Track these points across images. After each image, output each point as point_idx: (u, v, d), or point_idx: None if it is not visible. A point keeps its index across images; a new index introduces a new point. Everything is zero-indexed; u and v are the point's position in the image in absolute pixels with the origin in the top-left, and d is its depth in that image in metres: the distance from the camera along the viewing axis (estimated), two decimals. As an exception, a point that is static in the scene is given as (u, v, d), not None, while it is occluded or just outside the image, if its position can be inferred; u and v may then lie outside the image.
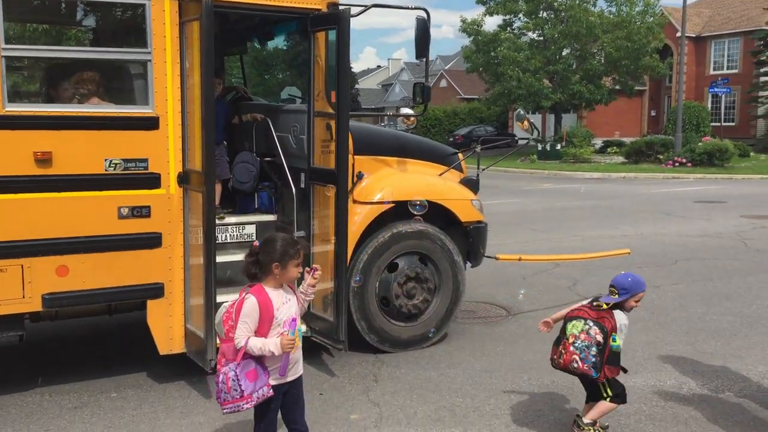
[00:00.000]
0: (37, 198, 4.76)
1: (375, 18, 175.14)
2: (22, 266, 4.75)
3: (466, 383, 5.51)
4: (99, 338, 6.63)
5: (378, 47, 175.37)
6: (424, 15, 5.80)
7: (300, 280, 3.85)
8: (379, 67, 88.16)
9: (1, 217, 4.66)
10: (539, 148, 33.98)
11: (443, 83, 63.63)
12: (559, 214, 15.51)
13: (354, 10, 5.58)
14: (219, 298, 5.11)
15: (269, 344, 3.56)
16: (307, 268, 3.85)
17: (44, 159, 4.72)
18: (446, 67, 65.88)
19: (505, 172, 28.56)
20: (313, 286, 3.85)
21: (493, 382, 5.54)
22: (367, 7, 5.67)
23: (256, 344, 3.56)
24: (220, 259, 5.41)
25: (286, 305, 3.69)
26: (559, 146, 33.71)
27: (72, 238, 4.88)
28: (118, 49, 5.46)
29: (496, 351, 6.31)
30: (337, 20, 5.29)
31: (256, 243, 3.75)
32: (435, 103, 55.61)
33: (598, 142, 38.23)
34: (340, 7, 5.43)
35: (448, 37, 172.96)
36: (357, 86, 60.12)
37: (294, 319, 3.67)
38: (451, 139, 41.55)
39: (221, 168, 5.98)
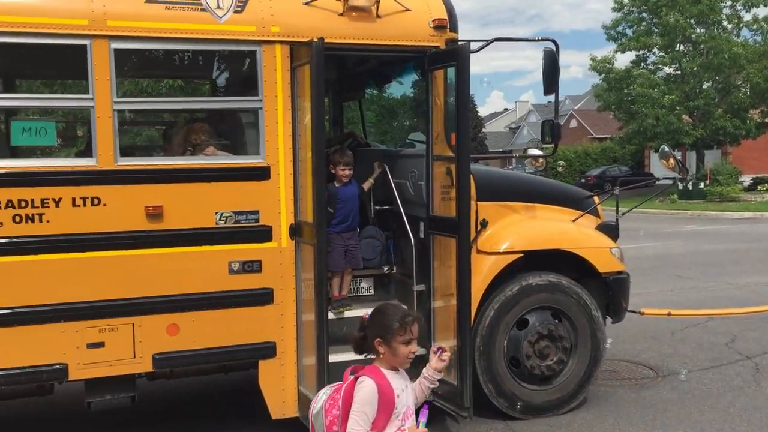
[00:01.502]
0: (147, 254, 4.62)
1: (501, 62, 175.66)
2: (132, 325, 4.60)
3: (611, 460, 4.79)
4: (213, 396, 6.41)
5: (505, 90, 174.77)
6: (552, 47, 5.30)
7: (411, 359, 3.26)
8: (506, 110, 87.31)
9: (112, 274, 4.54)
10: (680, 188, 31.91)
11: (573, 123, 61.91)
12: (706, 258, 14.16)
13: (474, 45, 5.18)
14: (332, 358, 4.76)
15: None
16: (433, 348, 3.27)
17: (155, 213, 4.59)
18: (576, 107, 64.14)
19: (643, 213, 26.83)
20: (440, 371, 3.25)
21: (643, 460, 4.79)
22: (488, 42, 5.25)
23: None
24: (334, 315, 5.08)
25: (404, 392, 3.10)
26: (702, 185, 31.50)
27: (182, 295, 4.70)
28: (228, 98, 5.35)
29: (644, 420, 5.52)
30: (455, 56, 4.90)
31: (366, 315, 3.22)
32: (565, 143, 54.06)
33: (747, 179, 35.45)
34: (459, 43, 5.05)
35: (577, 77, 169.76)
36: (484, 130, 59.71)
37: (426, 406, 3.11)
38: (583, 180, 39.97)
39: (354, 257, 5.49)
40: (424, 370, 3.24)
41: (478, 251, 5.45)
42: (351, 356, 5.13)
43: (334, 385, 3.18)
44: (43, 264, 4.40)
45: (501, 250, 5.49)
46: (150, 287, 4.62)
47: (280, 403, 4.98)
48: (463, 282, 4.96)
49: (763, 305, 8.17)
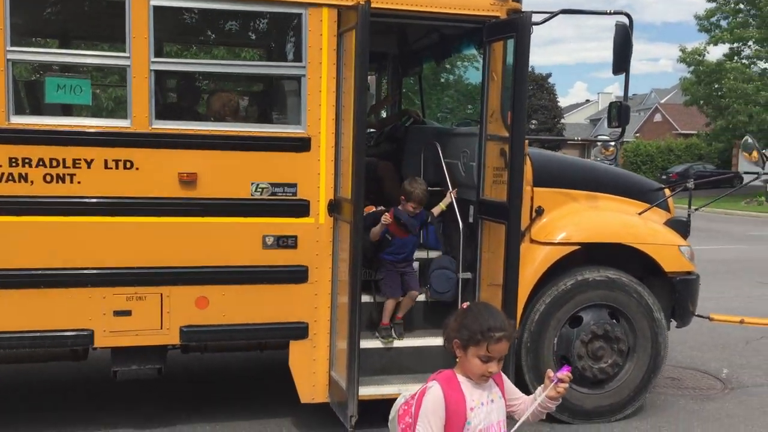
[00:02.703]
0: (179, 222, 4.44)
1: (587, 53, 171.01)
2: (161, 295, 4.45)
3: (663, 478, 4.37)
4: (246, 372, 6.24)
5: (589, 82, 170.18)
6: (626, 20, 4.82)
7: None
8: (587, 101, 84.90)
9: (142, 240, 4.39)
10: (769, 189, 30.13)
11: (658, 117, 59.63)
12: (794, 266, 13.21)
13: (537, 18, 4.77)
14: (364, 344, 4.50)
15: None
16: (549, 374, 2.69)
17: (189, 180, 4.40)
18: (662, 101, 61.76)
19: (726, 215, 25.53)
20: (556, 399, 2.67)
21: (699, 480, 4.34)
22: (553, 14, 4.82)
23: None
24: (368, 299, 4.81)
25: (485, 407, 2.64)
26: (794, 187, 29.64)
27: (213, 268, 4.51)
28: (270, 63, 5.10)
29: (705, 436, 5.05)
30: (515, 27, 4.51)
31: (466, 304, 2.80)
32: (648, 138, 52.16)
33: None
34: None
35: (666, 70, 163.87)
36: (563, 121, 58.18)
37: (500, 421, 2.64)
38: (664, 177, 38.34)
39: (413, 281, 5.02)
40: (537, 391, 2.73)
41: (532, 240, 5.08)
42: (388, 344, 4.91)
43: (417, 390, 2.75)
44: (71, 226, 4.28)
45: (556, 241, 5.09)
46: (180, 257, 4.45)
47: (310, 387, 4.75)
48: (510, 272, 4.60)
49: None
